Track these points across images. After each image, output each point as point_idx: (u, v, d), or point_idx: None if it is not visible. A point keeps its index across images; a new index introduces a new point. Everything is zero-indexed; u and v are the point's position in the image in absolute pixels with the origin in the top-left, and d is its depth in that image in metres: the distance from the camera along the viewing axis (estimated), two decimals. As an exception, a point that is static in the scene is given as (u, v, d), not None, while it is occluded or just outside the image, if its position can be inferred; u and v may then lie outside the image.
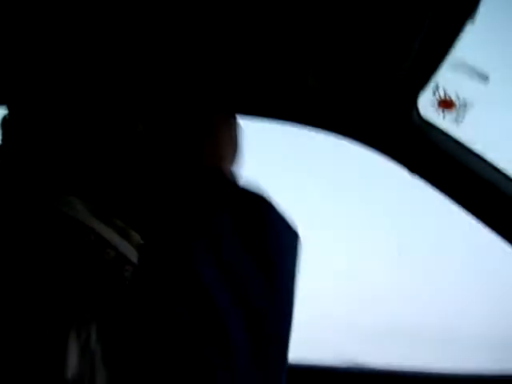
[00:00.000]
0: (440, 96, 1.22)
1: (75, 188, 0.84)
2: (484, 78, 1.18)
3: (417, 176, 1.32)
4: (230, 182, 0.83)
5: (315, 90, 1.22)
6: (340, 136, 1.31)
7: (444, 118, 1.25)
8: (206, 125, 0.88)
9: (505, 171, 1.30)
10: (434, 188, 1.32)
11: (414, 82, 1.15)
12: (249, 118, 1.33)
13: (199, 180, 0.81)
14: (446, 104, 1.23)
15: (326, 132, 1.32)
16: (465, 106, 1.23)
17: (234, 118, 0.93)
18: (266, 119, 1.34)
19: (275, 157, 2.38)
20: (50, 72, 1.07)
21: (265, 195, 0.78)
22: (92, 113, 0.89)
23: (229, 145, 0.89)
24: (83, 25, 1.06)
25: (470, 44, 1.07)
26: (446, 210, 1.33)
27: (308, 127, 1.32)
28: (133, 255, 0.80)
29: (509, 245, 1.30)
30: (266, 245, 0.74)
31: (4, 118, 0.91)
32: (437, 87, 1.22)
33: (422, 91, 1.19)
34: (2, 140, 0.90)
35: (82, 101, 0.90)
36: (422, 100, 1.23)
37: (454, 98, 1.22)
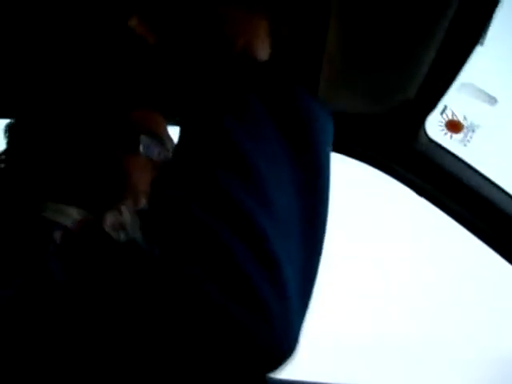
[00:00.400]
0: (447, 117, 1.22)
1: (74, 198, 0.84)
2: (492, 100, 1.17)
3: (424, 197, 1.31)
4: (259, 66, 0.71)
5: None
6: (348, 156, 1.31)
7: (451, 139, 1.25)
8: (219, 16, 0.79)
9: (509, 192, 1.29)
10: (441, 209, 1.31)
11: (422, 104, 1.15)
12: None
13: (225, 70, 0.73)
14: (453, 125, 1.23)
15: (333, 152, 1.32)
16: (472, 127, 1.22)
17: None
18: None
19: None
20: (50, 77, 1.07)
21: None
22: (92, 120, 0.89)
23: (254, 28, 0.80)
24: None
25: (479, 66, 1.07)
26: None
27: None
28: None
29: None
30: (303, 132, 0.65)
31: (9, 124, 0.91)
32: (444, 108, 1.21)
33: (430, 113, 1.19)
34: (7, 145, 0.91)
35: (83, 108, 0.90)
36: (430, 121, 1.23)
37: (461, 119, 1.22)
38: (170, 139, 0.95)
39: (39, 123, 0.91)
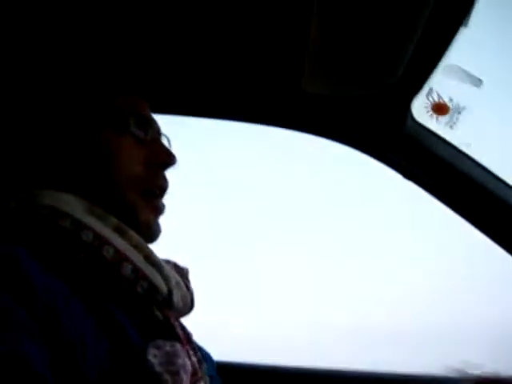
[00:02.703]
0: (434, 100, 1.22)
1: (71, 186, 0.84)
2: (477, 81, 1.18)
3: (411, 181, 1.32)
4: None
5: (309, 95, 1.22)
6: (334, 140, 1.31)
7: (438, 121, 1.25)
8: None
9: (498, 175, 1.30)
10: (428, 192, 1.32)
11: (407, 86, 1.15)
12: (243, 122, 1.33)
13: None
14: (439, 108, 1.23)
15: (320, 136, 1.32)
16: (458, 109, 1.22)
17: None
18: (260, 124, 1.34)
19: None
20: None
21: None
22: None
23: None
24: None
25: (464, 48, 1.07)
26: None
27: (302, 132, 1.32)
28: (130, 252, 0.80)
29: (502, 248, 1.31)
30: None
31: None
32: (430, 91, 1.22)
33: (415, 96, 1.19)
34: None
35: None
36: (416, 104, 1.23)
37: (447, 101, 1.22)
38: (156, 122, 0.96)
39: (22, 105, 0.91)
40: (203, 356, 0.90)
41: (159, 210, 0.90)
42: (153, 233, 0.89)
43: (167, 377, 0.71)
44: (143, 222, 0.87)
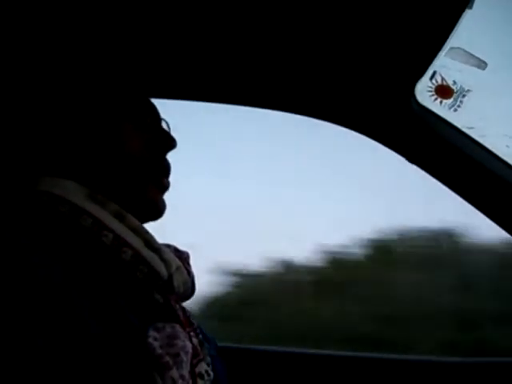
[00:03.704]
0: (437, 82, 1.21)
1: (71, 172, 0.84)
2: (482, 64, 1.17)
3: (415, 164, 1.31)
4: None
5: (313, 79, 1.21)
6: (338, 125, 1.31)
7: (441, 104, 1.24)
8: None
9: (503, 157, 1.29)
10: (432, 176, 1.31)
11: (411, 69, 1.15)
12: (244, 106, 1.33)
13: None
14: (443, 91, 1.22)
15: (324, 120, 1.32)
16: (462, 92, 1.22)
17: None
18: (261, 108, 1.33)
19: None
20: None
21: None
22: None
23: None
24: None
25: (468, 30, 1.06)
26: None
27: (306, 116, 1.32)
28: (130, 237, 0.80)
29: (504, 230, 1.30)
30: None
31: None
32: (434, 74, 1.21)
33: (419, 78, 1.18)
34: None
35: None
36: (420, 87, 1.22)
37: (451, 84, 1.21)
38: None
39: (30, 92, 0.91)
40: (205, 337, 0.90)
41: (164, 186, 0.91)
42: (159, 210, 0.90)
43: (168, 359, 0.72)
44: (149, 199, 0.88)
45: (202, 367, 0.82)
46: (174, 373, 0.71)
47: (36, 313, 0.65)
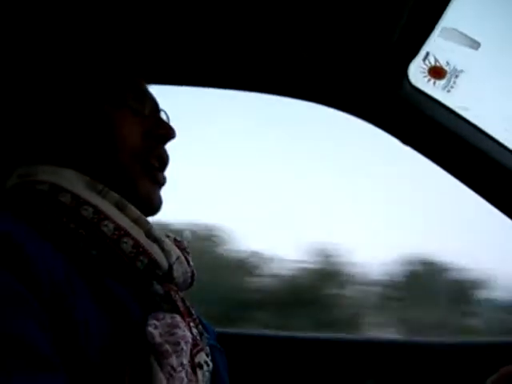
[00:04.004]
0: (430, 63, 1.21)
1: (69, 160, 0.84)
2: (475, 44, 1.16)
3: (409, 145, 1.31)
4: None
5: (305, 61, 1.21)
6: (331, 107, 1.30)
7: (435, 85, 1.24)
8: None
9: (496, 138, 1.29)
10: (426, 157, 1.31)
11: (404, 50, 1.14)
12: (238, 90, 1.32)
13: None
14: (436, 71, 1.21)
15: (317, 103, 1.31)
16: (455, 73, 1.21)
17: None
18: (255, 92, 1.32)
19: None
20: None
21: None
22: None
23: None
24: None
25: (460, 10, 1.06)
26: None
27: (298, 98, 1.31)
28: (131, 228, 0.80)
29: (500, 211, 1.31)
30: None
31: None
32: (427, 54, 1.20)
33: (412, 60, 1.18)
34: None
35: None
36: (413, 68, 1.22)
37: (444, 65, 1.21)
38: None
39: (22, 82, 0.91)
40: (204, 327, 0.90)
41: (160, 182, 0.90)
42: (154, 205, 0.89)
43: (167, 347, 0.72)
44: (143, 194, 0.87)
45: (202, 357, 0.82)
46: (174, 360, 0.71)
47: (36, 301, 0.64)
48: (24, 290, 0.64)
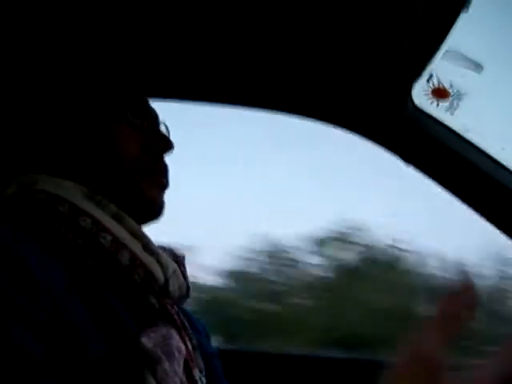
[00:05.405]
0: (434, 85, 1.22)
1: (68, 172, 0.84)
2: (478, 66, 1.17)
3: (411, 166, 1.31)
4: None
5: (309, 80, 1.21)
6: (334, 126, 1.31)
7: (438, 106, 1.25)
8: None
9: (499, 160, 1.29)
10: (429, 177, 1.32)
11: (408, 71, 1.15)
12: (239, 106, 1.33)
13: None
14: (439, 93, 1.22)
15: (320, 121, 1.32)
16: (459, 95, 1.22)
17: None
18: (256, 109, 1.33)
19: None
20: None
21: None
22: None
23: None
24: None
25: (464, 33, 1.07)
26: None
27: (302, 117, 1.32)
28: (128, 240, 0.80)
29: (502, 232, 1.30)
30: None
31: None
32: (431, 76, 1.21)
33: (416, 80, 1.19)
34: None
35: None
36: (416, 89, 1.23)
37: (447, 86, 1.22)
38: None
39: (23, 93, 0.91)
40: (194, 326, 0.91)
41: (163, 185, 0.91)
42: (159, 209, 0.90)
43: (160, 354, 0.72)
44: (149, 197, 0.87)
45: (196, 374, 0.82)
46: (166, 365, 0.71)
47: (32, 310, 0.65)
48: (23, 300, 0.64)
